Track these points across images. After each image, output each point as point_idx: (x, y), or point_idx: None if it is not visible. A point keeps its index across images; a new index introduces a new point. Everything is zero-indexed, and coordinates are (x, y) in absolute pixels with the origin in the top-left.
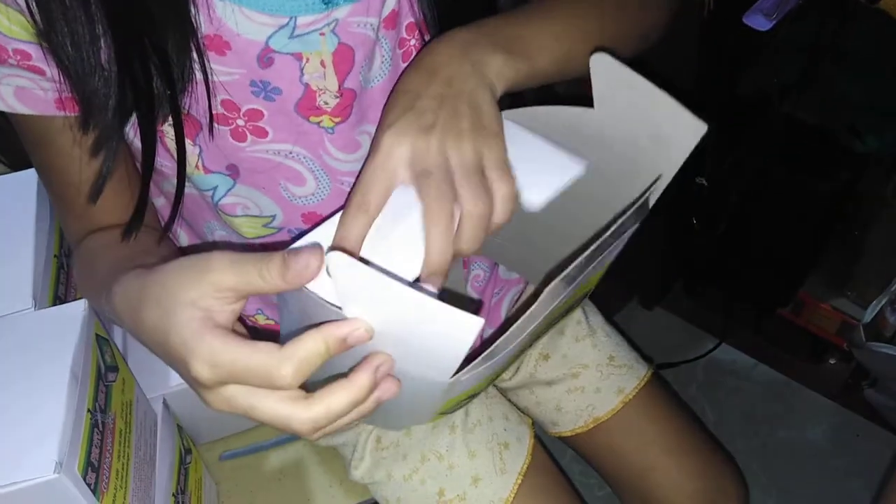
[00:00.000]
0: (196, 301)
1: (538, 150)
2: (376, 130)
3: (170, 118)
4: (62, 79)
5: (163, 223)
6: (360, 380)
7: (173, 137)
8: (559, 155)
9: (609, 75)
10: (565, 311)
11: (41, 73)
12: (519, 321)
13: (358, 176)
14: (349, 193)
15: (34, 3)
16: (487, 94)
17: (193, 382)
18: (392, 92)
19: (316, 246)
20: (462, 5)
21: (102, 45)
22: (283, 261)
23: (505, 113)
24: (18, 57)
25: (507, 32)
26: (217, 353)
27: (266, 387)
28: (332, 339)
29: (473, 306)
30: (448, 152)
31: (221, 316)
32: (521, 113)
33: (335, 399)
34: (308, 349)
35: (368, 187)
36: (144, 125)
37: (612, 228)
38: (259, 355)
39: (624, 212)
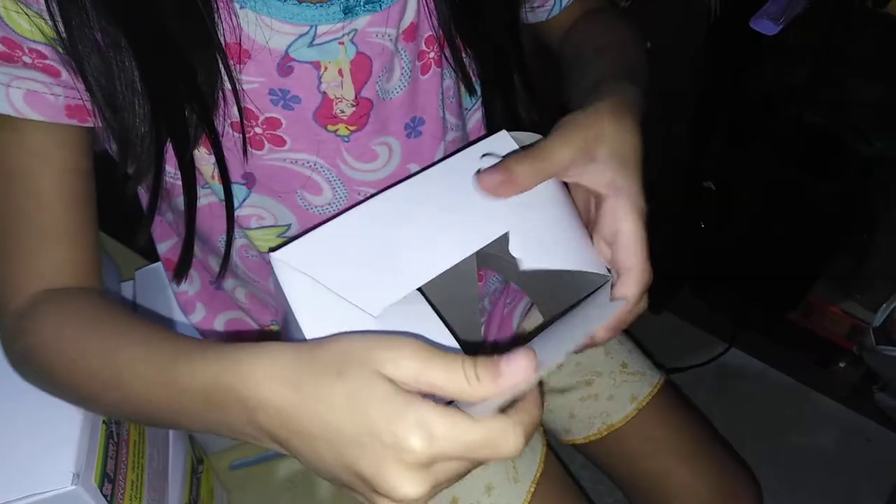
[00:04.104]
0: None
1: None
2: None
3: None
4: (76, 83)
5: (171, 244)
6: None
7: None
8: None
9: None
10: None
11: (55, 73)
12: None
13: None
14: None
15: (55, 8)
16: None
17: (397, 461)
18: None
19: (529, 351)
20: (480, 18)
21: (126, 60)
22: (494, 367)
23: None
24: (34, 55)
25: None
26: (433, 423)
27: (492, 456)
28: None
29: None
30: None
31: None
32: None
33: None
34: (534, 416)
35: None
36: (179, 148)
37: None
38: (482, 426)
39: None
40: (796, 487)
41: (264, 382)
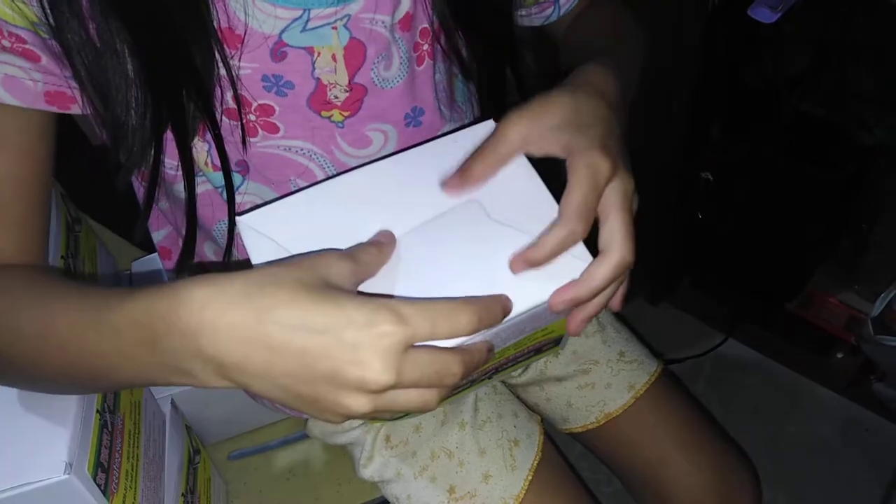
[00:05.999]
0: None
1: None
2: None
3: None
4: (61, 69)
5: (166, 232)
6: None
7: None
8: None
9: None
10: (533, 351)
11: (35, 59)
12: None
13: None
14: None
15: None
16: None
17: (375, 346)
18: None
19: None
20: (477, 10)
21: (120, 51)
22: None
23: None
24: (13, 40)
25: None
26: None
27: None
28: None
29: None
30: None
31: None
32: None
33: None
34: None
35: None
36: (180, 137)
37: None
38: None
39: None
40: (794, 477)
41: (209, 305)
